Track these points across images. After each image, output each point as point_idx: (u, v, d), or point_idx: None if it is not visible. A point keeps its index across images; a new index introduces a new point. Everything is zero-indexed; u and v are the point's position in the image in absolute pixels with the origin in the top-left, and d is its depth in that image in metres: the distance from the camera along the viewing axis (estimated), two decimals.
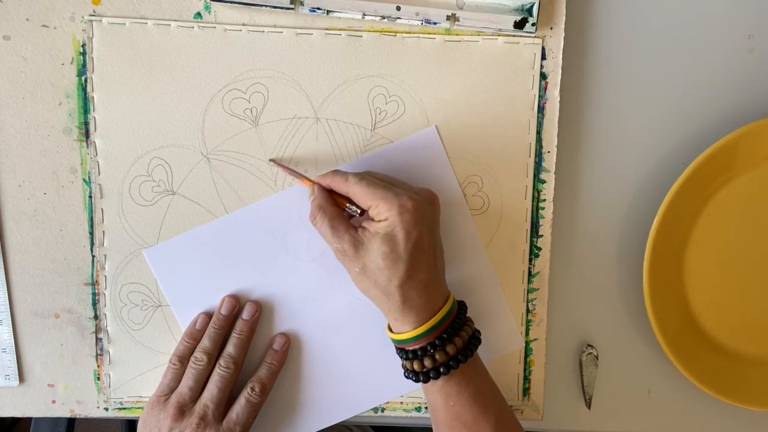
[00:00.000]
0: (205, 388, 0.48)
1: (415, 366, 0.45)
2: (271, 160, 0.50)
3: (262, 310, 0.51)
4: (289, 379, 0.52)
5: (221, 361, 0.49)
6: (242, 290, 0.51)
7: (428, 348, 0.45)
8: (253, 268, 0.51)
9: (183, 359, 0.50)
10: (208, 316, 0.51)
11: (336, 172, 0.47)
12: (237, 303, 0.51)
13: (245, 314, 0.51)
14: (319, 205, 0.47)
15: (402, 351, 0.46)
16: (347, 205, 0.47)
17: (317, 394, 0.52)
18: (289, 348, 0.52)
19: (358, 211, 0.47)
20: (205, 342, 0.50)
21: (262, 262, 0.51)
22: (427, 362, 0.45)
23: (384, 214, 0.44)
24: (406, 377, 0.46)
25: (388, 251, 0.44)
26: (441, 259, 0.47)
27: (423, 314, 0.45)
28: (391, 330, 0.47)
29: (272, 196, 0.51)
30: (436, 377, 0.45)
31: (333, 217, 0.46)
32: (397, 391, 0.53)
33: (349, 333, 0.52)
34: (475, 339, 0.46)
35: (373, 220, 0.45)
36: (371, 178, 0.46)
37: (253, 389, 0.49)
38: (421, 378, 0.45)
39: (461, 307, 0.48)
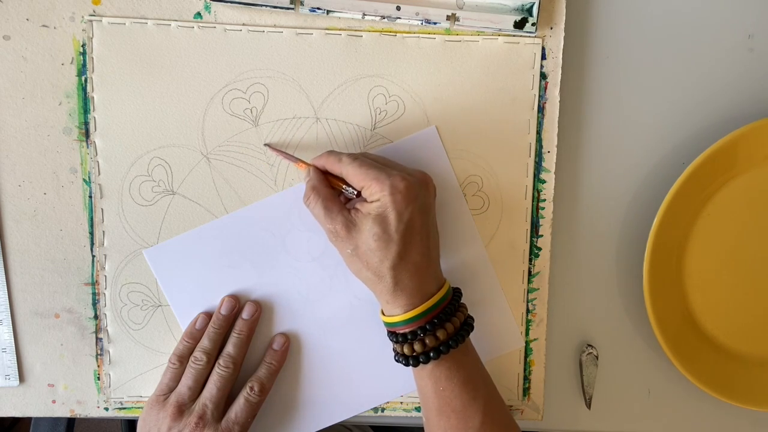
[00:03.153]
0: (204, 388, 0.48)
1: (405, 349, 0.45)
2: (266, 144, 0.50)
3: (261, 309, 0.51)
4: (288, 378, 0.52)
5: (220, 361, 0.49)
6: (242, 290, 0.51)
7: (419, 332, 0.44)
8: (253, 268, 0.51)
9: (182, 359, 0.50)
10: (208, 315, 0.51)
11: (330, 152, 0.47)
12: (237, 303, 0.51)
13: (245, 314, 0.51)
14: (313, 186, 0.46)
15: (392, 334, 0.46)
16: (343, 186, 0.47)
17: (317, 393, 0.52)
18: (289, 348, 0.52)
19: (355, 193, 0.46)
20: (205, 342, 0.50)
21: (262, 262, 0.51)
22: (417, 346, 0.44)
23: (376, 194, 0.44)
24: (396, 360, 0.46)
25: (380, 232, 0.43)
26: (435, 243, 0.47)
27: (415, 298, 0.44)
28: (383, 313, 0.47)
29: (272, 196, 0.51)
30: (426, 361, 0.44)
31: (326, 198, 0.46)
32: (397, 391, 0.53)
33: (349, 333, 0.52)
34: (467, 325, 0.46)
35: (366, 201, 0.45)
36: (365, 158, 0.46)
37: (252, 389, 0.49)
38: (411, 362, 0.45)
39: (456, 293, 0.48)
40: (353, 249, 0.45)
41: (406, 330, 0.45)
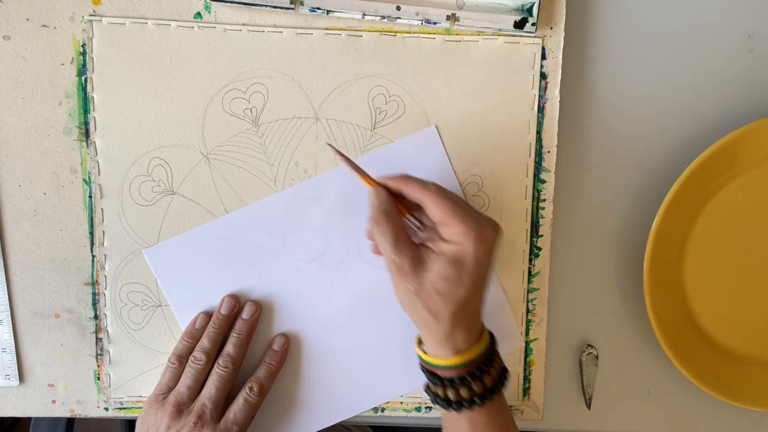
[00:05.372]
0: (204, 388, 0.48)
1: (450, 394, 0.44)
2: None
3: (261, 310, 0.51)
4: (288, 378, 0.52)
5: (220, 361, 0.49)
6: (242, 290, 0.51)
7: (467, 377, 0.43)
8: (253, 268, 0.51)
9: (182, 358, 0.49)
10: (208, 315, 0.51)
11: (409, 176, 0.45)
12: (237, 303, 0.51)
13: (245, 314, 0.51)
14: (386, 211, 0.43)
15: (433, 375, 0.45)
16: (408, 216, 0.45)
17: (317, 394, 0.52)
18: (289, 348, 0.52)
19: (421, 227, 0.45)
20: (204, 341, 0.50)
21: (262, 262, 0.51)
22: (464, 392, 0.43)
23: (458, 236, 0.42)
24: (434, 402, 0.45)
25: (453, 275, 0.42)
26: (487, 289, 0.46)
27: (466, 343, 0.43)
28: (424, 352, 0.45)
29: (272, 196, 0.51)
30: (470, 407, 0.43)
31: (398, 228, 0.43)
32: (397, 391, 0.53)
33: (349, 333, 0.52)
34: (504, 371, 0.46)
35: (440, 237, 0.43)
36: (449, 192, 0.44)
37: (251, 389, 0.49)
38: (454, 407, 0.44)
39: (492, 338, 0.47)
40: (416, 287, 0.42)
41: (452, 375, 0.44)
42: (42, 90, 0.49)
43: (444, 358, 0.44)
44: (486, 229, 0.42)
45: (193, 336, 0.50)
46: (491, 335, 0.47)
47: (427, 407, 0.54)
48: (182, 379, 0.49)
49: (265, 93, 0.50)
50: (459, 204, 0.43)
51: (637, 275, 0.53)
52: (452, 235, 0.42)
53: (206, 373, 0.49)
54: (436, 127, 0.51)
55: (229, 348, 0.50)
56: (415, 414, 0.54)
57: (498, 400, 0.45)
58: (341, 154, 0.46)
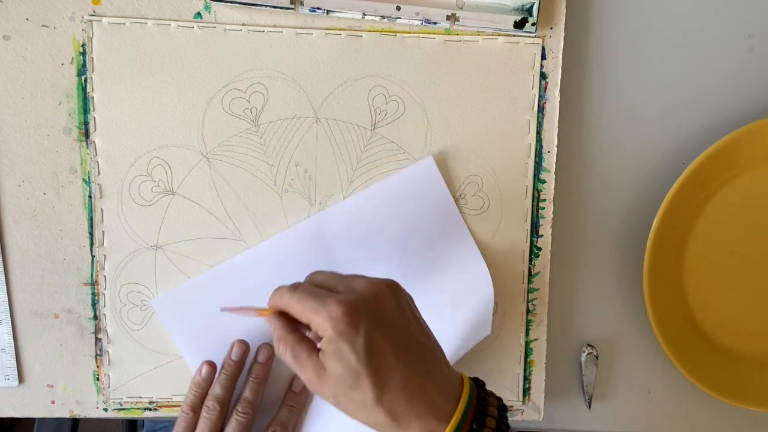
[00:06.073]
0: None
1: None
2: (222, 309, 0.47)
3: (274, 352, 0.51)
4: (308, 423, 0.51)
5: (239, 407, 0.48)
6: (253, 333, 0.50)
7: None
8: None
9: (195, 408, 0.48)
10: (210, 364, 0.49)
11: (277, 290, 0.41)
12: (247, 347, 0.50)
13: (260, 357, 0.50)
14: (279, 336, 0.40)
15: None
16: (303, 328, 0.42)
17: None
18: (307, 390, 0.50)
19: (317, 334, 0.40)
20: (217, 389, 0.48)
21: None
22: None
23: (321, 329, 0.38)
24: None
25: (343, 371, 0.37)
26: (427, 349, 0.39)
27: (430, 421, 0.37)
28: None
29: (277, 235, 0.50)
30: None
31: (294, 345, 0.39)
32: None
33: None
34: (503, 409, 0.39)
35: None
36: (306, 286, 0.40)
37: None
38: None
39: (479, 385, 0.40)
40: (333, 395, 0.38)
41: None
42: (42, 90, 0.49)
43: None
44: (333, 307, 0.37)
45: (200, 386, 0.49)
46: (477, 382, 0.41)
47: None
48: (198, 430, 0.48)
49: (265, 93, 0.50)
50: (314, 295, 0.39)
51: (637, 275, 0.53)
52: (319, 331, 0.38)
53: (221, 422, 0.48)
54: (433, 157, 0.50)
55: (247, 393, 0.49)
56: None
57: None
58: (231, 310, 0.46)
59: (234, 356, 0.49)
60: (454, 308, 0.51)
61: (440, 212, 0.50)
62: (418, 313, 0.41)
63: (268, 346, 0.50)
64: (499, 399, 0.40)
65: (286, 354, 0.40)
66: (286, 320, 0.41)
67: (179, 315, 0.50)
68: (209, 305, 0.50)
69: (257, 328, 0.50)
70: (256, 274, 0.50)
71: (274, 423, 0.49)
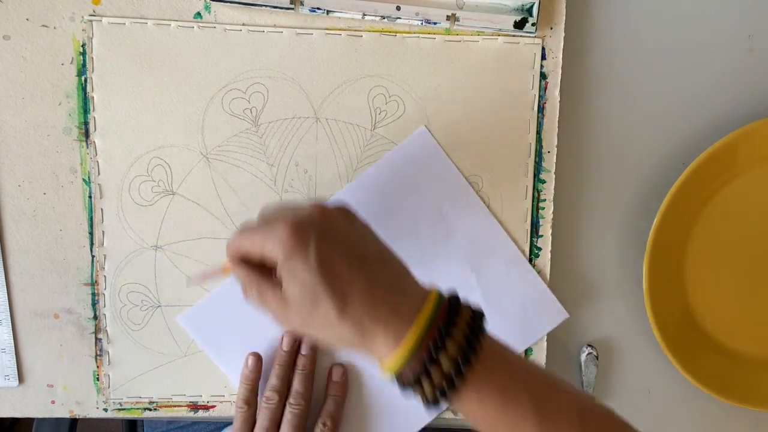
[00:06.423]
0: (281, 428, 0.48)
1: (419, 395, 0.36)
2: (187, 278, 0.50)
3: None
4: (351, 408, 0.52)
5: (291, 400, 0.49)
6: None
7: (426, 365, 0.35)
8: None
9: (248, 401, 0.49)
10: (255, 355, 0.50)
11: (236, 233, 0.40)
12: (296, 338, 0.50)
13: (304, 350, 0.50)
14: (243, 282, 0.40)
15: (405, 386, 0.36)
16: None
17: (380, 420, 0.52)
18: (348, 377, 0.51)
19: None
20: (273, 380, 0.49)
21: None
22: (426, 387, 0.35)
23: (273, 257, 0.37)
24: (427, 405, 0.36)
25: (300, 290, 0.36)
26: (385, 261, 0.38)
27: (396, 323, 0.35)
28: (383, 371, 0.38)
29: None
30: (446, 396, 0.35)
31: (258, 285, 0.38)
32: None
33: None
34: (476, 329, 0.36)
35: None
36: (250, 222, 0.40)
37: (325, 424, 0.49)
38: (431, 404, 0.36)
39: (451, 300, 0.37)
40: (301, 323, 0.37)
41: (416, 370, 0.35)
42: (42, 90, 0.49)
43: (390, 363, 0.36)
44: (279, 228, 0.36)
45: (249, 378, 0.50)
46: (450, 297, 0.37)
47: None
48: (259, 421, 0.48)
49: (264, 93, 0.50)
50: (261, 226, 0.38)
51: (637, 275, 0.53)
52: (271, 259, 0.37)
53: (280, 412, 0.49)
54: (426, 126, 0.50)
55: (297, 386, 0.49)
56: None
57: (482, 367, 0.35)
58: (197, 279, 0.48)
59: (285, 347, 0.50)
60: (479, 275, 0.52)
61: (442, 176, 0.50)
62: (377, 234, 0.40)
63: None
64: (477, 313, 0.37)
65: (253, 296, 0.39)
66: (249, 266, 0.40)
67: (208, 326, 0.51)
68: (236, 312, 0.50)
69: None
70: None
71: (322, 415, 0.50)
